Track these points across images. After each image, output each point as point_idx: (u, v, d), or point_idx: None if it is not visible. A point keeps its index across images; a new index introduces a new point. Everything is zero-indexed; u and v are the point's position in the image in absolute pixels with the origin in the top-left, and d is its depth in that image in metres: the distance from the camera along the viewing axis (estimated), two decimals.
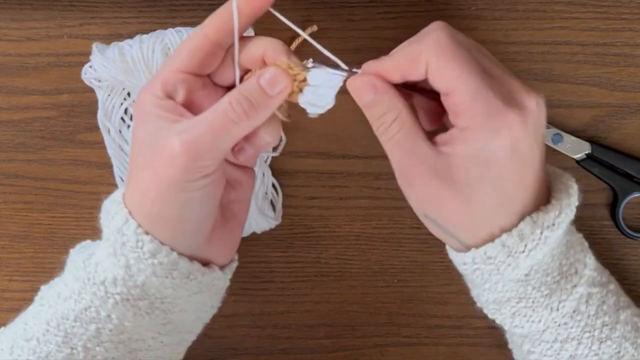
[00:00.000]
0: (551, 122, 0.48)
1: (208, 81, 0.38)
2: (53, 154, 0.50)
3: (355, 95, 0.36)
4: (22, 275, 0.51)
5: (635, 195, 0.48)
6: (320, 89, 0.36)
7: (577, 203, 0.37)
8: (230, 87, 0.38)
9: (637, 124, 0.49)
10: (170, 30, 0.48)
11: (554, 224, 0.36)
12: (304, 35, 0.38)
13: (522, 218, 0.36)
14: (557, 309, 0.37)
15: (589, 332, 0.38)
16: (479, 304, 0.41)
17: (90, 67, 0.48)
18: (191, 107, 0.37)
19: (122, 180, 0.49)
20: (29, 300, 0.41)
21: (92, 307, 0.37)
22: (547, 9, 0.48)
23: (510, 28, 0.48)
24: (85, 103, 0.50)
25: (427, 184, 0.35)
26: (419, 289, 0.50)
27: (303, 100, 0.36)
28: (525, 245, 0.35)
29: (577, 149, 0.48)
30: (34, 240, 0.51)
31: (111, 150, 0.49)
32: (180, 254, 0.37)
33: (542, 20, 0.48)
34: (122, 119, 0.49)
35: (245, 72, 0.38)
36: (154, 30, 0.48)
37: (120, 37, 0.49)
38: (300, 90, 0.36)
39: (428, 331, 0.51)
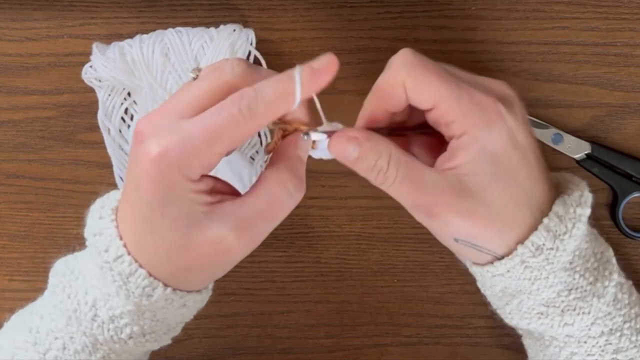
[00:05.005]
0: (551, 122, 0.48)
1: None
2: (53, 154, 0.50)
3: (341, 156, 0.36)
4: (23, 275, 0.51)
5: (635, 195, 0.48)
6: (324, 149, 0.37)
7: (589, 188, 0.38)
8: None
9: (637, 124, 0.49)
10: (170, 30, 0.48)
11: (581, 203, 0.36)
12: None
13: (543, 212, 0.36)
14: (603, 296, 0.37)
15: (628, 322, 0.38)
16: (514, 318, 0.39)
17: (91, 67, 0.48)
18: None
19: (122, 179, 0.49)
20: (29, 300, 0.40)
21: (112, 354, 0.37)
22: (547, 9, 0.48)
23: (510, 28, 0.48)
24: (85, 103, 0.50)
25: (448, 206, 0.35)
26: (419, 289, 0.50)
27: (312, 153, 0.38)
28: (566, 226, 0.35)
29: (577, 149, 0.48)
30: (35, 240, 0.51)
31: (111, 150, 0.49)
32: (189, 291, 0.37)
33: (542, 20, 0.48)
34: (122, 118, 0.49)
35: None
36: (154, 30, 0.48)
37: (120, 37, 0.49)
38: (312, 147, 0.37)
39: (428, 331, 0.51)
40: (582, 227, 0.36)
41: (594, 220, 0.49)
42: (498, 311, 0.41)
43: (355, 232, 0.50)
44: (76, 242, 0.50)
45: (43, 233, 0.51)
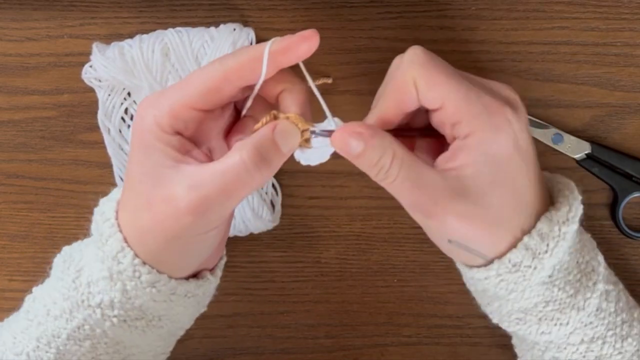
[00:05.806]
0: (551, 122, 0.48)
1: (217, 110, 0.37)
2: (53, 154, 0.50)
3: (345, 149, 0.35)
4: (23, 275, 0.51)
5: (635, 195, 0.48)
6: (319, 150, 0.36)
7: (581, 198, 0.37)
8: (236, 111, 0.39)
9: (637, 124, 0.49)
10: (170, 30, 0.48)
11: (568, 219, 0.36)
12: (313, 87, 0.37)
13: (537, 216, 0.36)
14: (584, 308, 0.36)
15: (612, 329, 0.37)
16: (495, 318, 0.40)
17: (91, 67, 0.48)
18: (196, 137, 0.36)
19: (122, 179, 0.49)
20: None
21: (85, 325, 0.37)
22: (547, 9, 0.48)
23: (510, 28, 0.48)
24: (85, 103, 0.50)
25: (447, 207, 0.34)
26: (419, 289, 0.50)
27: (300, 156, 0.37)
28: (547, 245, 0.35)
29: (577, 149, 0.48)
30: (35, 240, 0.51)
31: (111, 150, 0.49)
32: (177, 278, 0.37)
33: (542, 20, 0.48)
34: (122, 118, 0.49)
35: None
36: (154, 30, 0.48)
37: (120, 37, 0.49)
38: (301, 146, 0.36)
39: (428, 331, 0.51)
40: (565, 245, 0.36)
41: (594, 221, 0.49)
42: (482, 308, 0.41)
43: (355, 232, 0.50)
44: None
45: (43, 233, 0.51)
